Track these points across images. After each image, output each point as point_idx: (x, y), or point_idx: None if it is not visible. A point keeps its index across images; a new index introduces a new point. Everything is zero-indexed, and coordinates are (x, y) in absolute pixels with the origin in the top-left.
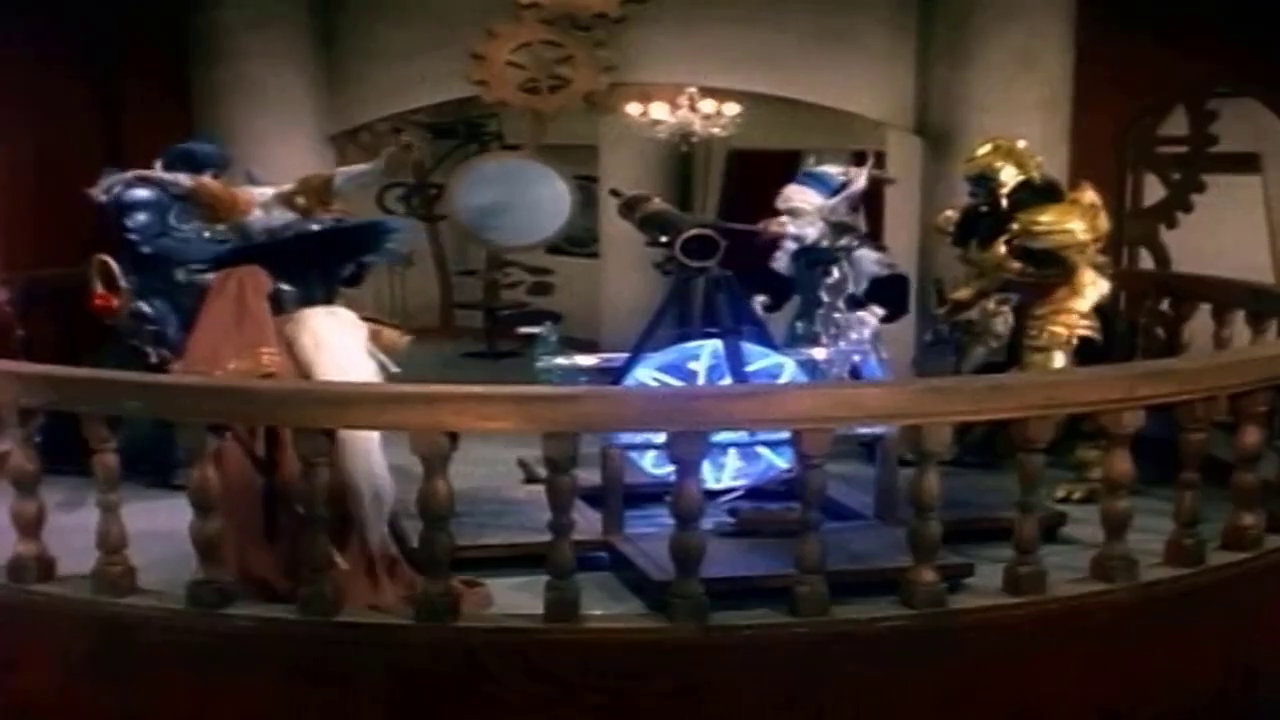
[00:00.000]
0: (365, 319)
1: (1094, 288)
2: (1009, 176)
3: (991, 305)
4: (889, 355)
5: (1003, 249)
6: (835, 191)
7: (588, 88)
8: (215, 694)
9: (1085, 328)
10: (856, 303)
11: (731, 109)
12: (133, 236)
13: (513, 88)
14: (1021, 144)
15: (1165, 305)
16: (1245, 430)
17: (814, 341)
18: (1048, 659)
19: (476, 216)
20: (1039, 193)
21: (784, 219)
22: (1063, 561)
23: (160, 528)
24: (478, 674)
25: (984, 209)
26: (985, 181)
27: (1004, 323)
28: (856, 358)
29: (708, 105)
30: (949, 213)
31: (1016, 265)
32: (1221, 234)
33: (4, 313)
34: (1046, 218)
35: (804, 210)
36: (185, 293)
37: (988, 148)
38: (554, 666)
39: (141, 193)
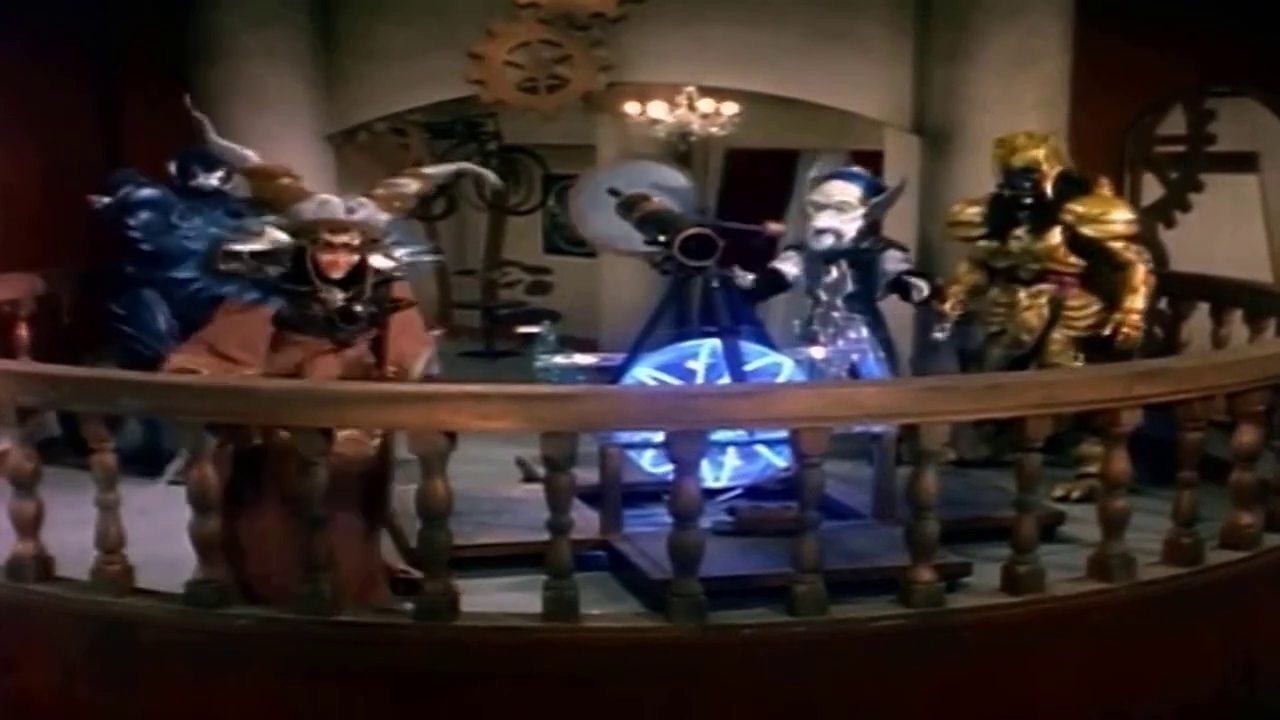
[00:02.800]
0: None
1: (1147, 286)
2: (1050, 168)
3: (1024, 299)
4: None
5: (1057, 239)
6: (876, 190)
7: (585, 87)
8: (215, 694)
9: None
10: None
11: (730, 108)
12: (134, 234)
13: (511, 87)
14: (1051, 138)
15: (1163, 304)
16: (1243, 429)
17: (812, 341)
18: (1046, 658)
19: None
20: (1076, 184)
21: (823, 216)
22: (1061, 560)
23: (159, 526)
24: (477, 674)
25: (1028, 200)
26: (1031, 173)
27: (1038, 316)
28: (855, 357)
29: (706, 104)
30: (959, 206)
31: (1069, 256)
32: (1219, 233)
33: (3, 312)
34: (1094, 208)
35: (849, 204)
36: (181, 291)
37: (1026, 138)
38: (552, 666)
39: (147, 191)
